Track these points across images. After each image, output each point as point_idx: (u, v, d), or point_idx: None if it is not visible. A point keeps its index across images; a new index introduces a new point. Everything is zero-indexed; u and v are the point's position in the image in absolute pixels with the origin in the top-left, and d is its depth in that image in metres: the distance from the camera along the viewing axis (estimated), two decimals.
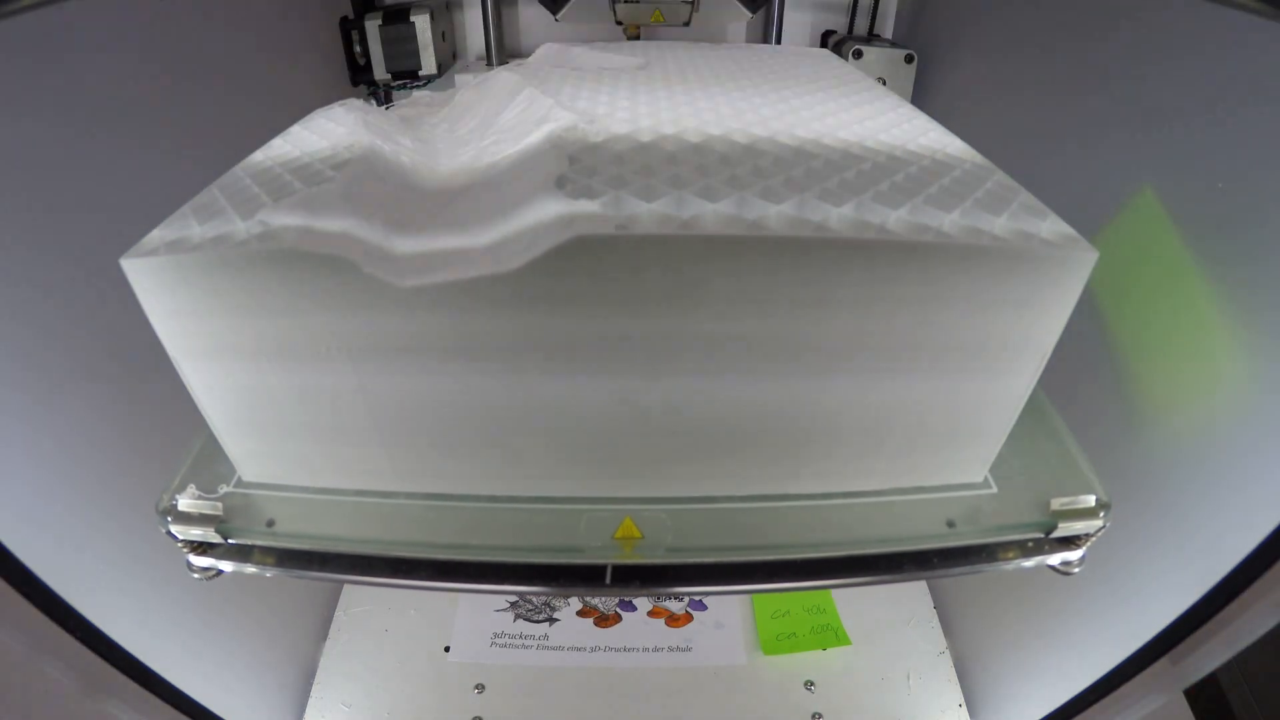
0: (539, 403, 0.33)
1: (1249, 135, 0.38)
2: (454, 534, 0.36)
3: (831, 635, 0.76)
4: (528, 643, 0.76)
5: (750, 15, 0.67)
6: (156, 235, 0.31)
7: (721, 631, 0.78)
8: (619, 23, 0.65)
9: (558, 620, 0.79)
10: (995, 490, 0.38)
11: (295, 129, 0.40)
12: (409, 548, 0.36)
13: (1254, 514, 0.37)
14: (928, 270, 0.29)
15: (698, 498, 0.37)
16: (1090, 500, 0.36)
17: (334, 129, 0.40)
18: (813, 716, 0.70)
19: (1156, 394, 0.46)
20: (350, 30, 0.79)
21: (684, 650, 0.76)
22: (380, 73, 0.80)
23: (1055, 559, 0.38)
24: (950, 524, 0.36)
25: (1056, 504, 0.36)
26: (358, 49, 0.80)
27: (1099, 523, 0.36)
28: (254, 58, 0.63)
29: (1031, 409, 0.35)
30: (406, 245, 0.31)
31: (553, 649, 0.76)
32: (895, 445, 0.36)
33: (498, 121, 0.43)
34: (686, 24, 0.64)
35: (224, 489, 0.38)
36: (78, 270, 0.41)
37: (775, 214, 0.29)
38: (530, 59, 0.59)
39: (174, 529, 0.37)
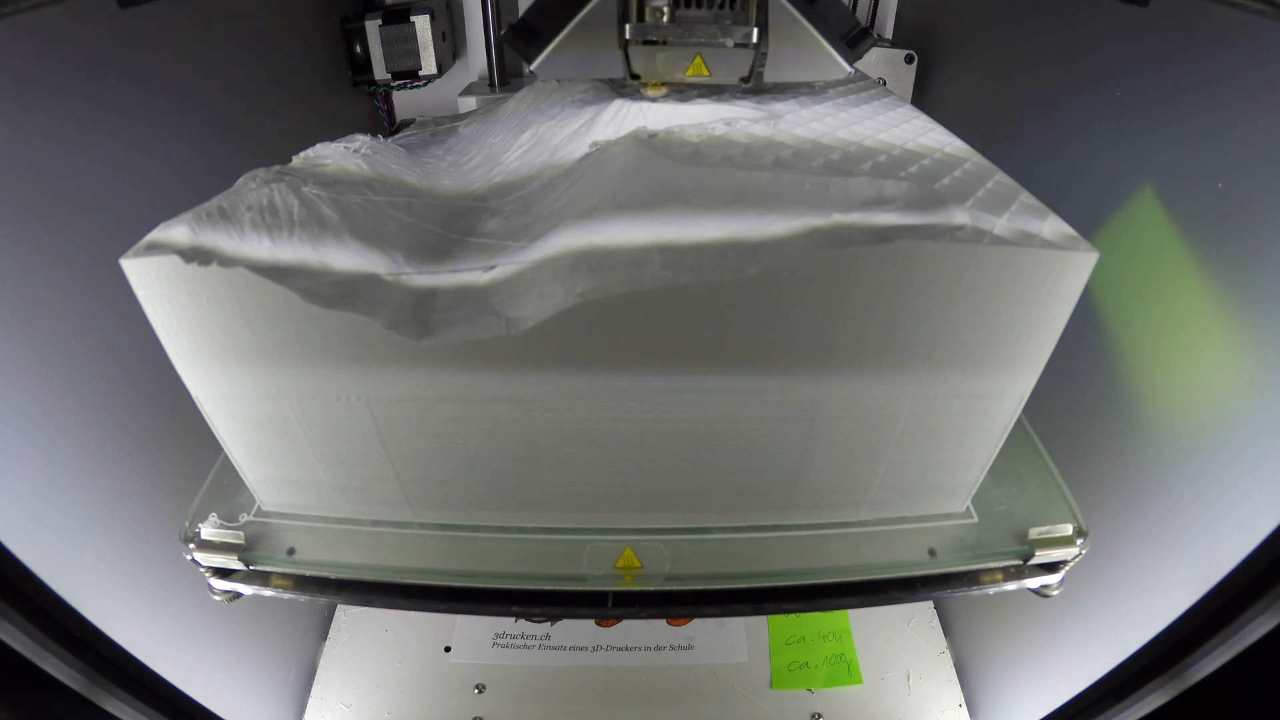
0: (547, 440, 0.34)
1: (1249, 135, 0.38)
2: (465, 563, 0.38)
3: (844, 669, 0.75)
4: (529, 642, 0.76)
5: (850, 71, 0.40)
6: (156, 235, 0.31)
7: (723, 630, 0.78)
8: (634, 77, 0.38)
9: (559, 619, 0.79)
10: (976, 520, 0.40)
11: (306, 151, 0.41)
12: (423, 575, 0.38)
13: (1254, 515, 0.37)
14: (929, 270, 0.29)
15: (694, 529, 0.39)
16: (1068, 529, 0.38)
17: (343, 157, 0.40)
18: (813, 716, 0.70)
19: (1157, 394, 0.46)
20: (350, 30, 0.79)
21: (685, 649, 0.76)
22: (380, 73, 0.80)
23: (1034, 583, 0.39)
24: (932, 553, 0.38)
25: (1034, 533, 0.38)
26: (358, 49, 0.79)
27: (1076, 550, 0.38)
28: (254, 58, 0.63)
29: (1015, 438, 0.36)
30: (427, 279, 0.31)
31: (554, 649, 0.76)
32: (883, 478, 0.37)
33: (504, 160, 0.43)
34: (746, 81, 0.38)
35: (245, 518, 0.40)
36: (79, 270, 0.41)
37: (776, 217, 0.29)
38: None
39: (197, 556, 0.38)
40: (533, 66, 0.38)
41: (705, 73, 0.37)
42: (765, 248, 0.29)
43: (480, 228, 0.37)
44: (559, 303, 0.28)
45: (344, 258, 0.32)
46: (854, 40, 0.39)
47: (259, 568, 0.39)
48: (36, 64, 0.40)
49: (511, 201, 0.39)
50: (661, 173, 0.32)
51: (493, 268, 0.32)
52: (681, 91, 0.45)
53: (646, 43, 0.37)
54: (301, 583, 0.39)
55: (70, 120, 0.42)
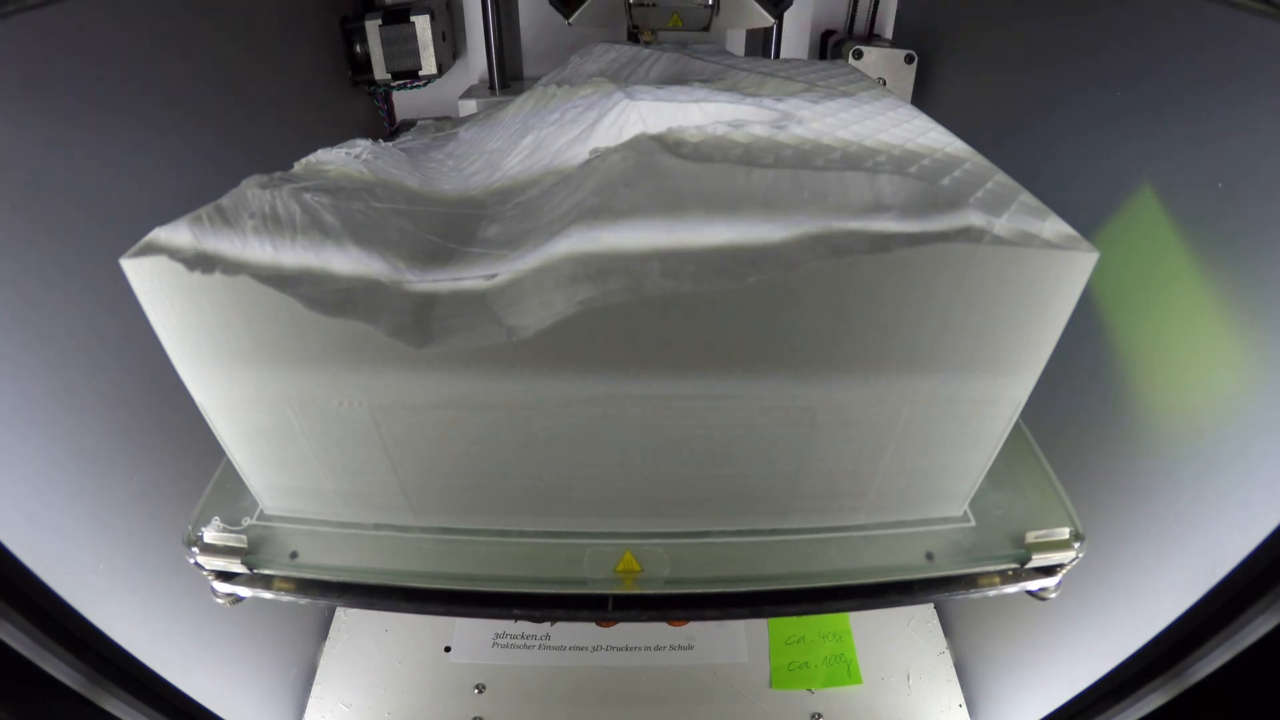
0: (548, 446, 0.34)
1: (1249, 135, 0.38)
2: (466, 566, 0.38)
3: (843, 669, 0.75)
4: (529, 642, 0.76)
5: (772, 21, 0.58)
6: (157, 235, 0.31)
7: (723, 630, 0.78)
8: (634, 28, 0.54)
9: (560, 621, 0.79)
10: (973, 524, 0.40)
11: (308, 157, 0.41)
12: (424, 579, 0.38)
13: (1254, 515, 0.37)
14: (929, 272, 0.29)
15: (693, 532, 0.39)
16: (1064, 533, 0.38)
17: (345, 163, 0.40)
18: (813, 716, 0.70)
19: (1156, 395, 0.46)
20: (350, 30, 0.79)
21: (685, 649, 0.76)
22: (380, 73, 0.80)
23: (1032, 586, 0.39)
24: (929, 556, 0.38)
25: (1031, 537, 0.38)
26: (358, 49, 0.79)
27: (1073, 553, 0.38)
28: (254, 58, 0.63)
29: (1012, 442, 0.36)
30: (429, 286, 0.31)
31: (554, 649, 0.76)
32: (881, 482, 0.37)
33: (505, 164, 0.43)
34: (705, 29, 0.55)
35: (247, 521, 0.40)
36: (80, 270, 0.41)
37: (776, 223, 0.29)
38: (573, 63, 0.59)
39: (201, 560, 0.38)
40: (570, 20, 0.57)
41: (680, 24, 0.56)
42: (765, 255, 0.29)
43: (481, 234, 0.37)
44: (560, 310, 0.28)
45: (346, 264, 0.32)
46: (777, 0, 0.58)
47: (262, 571, 0.39)
48: (37, 63, 0.40)
49: (512, 208, 0.39)
50: (662, 179, 0.32)
51: (494, 276, 0.32)
52: (685, 85, 0.45)
53: (640, 5, 0.55)
54: (303, 586, 0.39)
55: (69, 119, 0.42)
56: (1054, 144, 0.56)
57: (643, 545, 0.38)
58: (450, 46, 0.85)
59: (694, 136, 0.37)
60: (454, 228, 0.38)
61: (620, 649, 0.76)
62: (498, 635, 0.77)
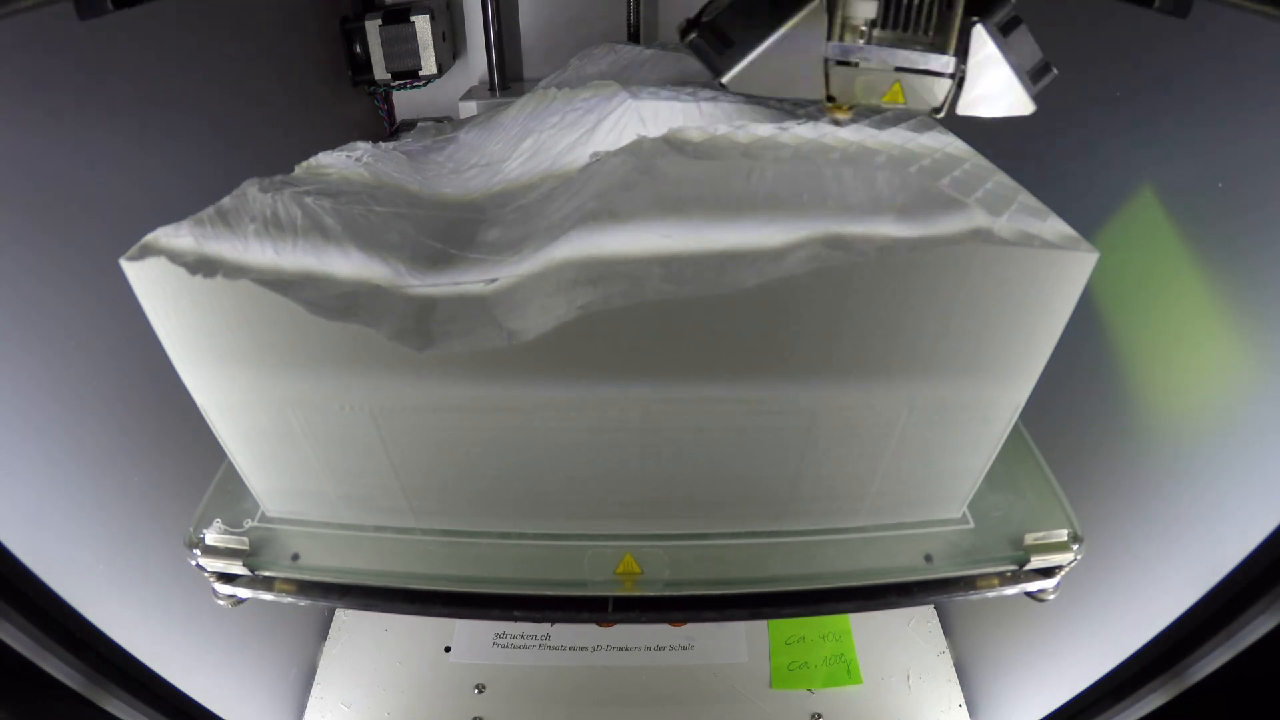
0: (548, 449, 0.35)
1: (1249, 134, 0.38)
2: (467, 568, 0.38)
3: (843, 670, 0.75)
4: (529, 642, 0.76)
5: (1032, 109, 0.35)
6: (157, 236, 0.31)
7: (723, 630, 0.78)
8: (829, 99, 0.33)
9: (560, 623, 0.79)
10: (972, 525, 0.40)
11: (309, 160, 0.41)
12: (425, 580, 0.38)
13: (1254, 516, 0.37)
14: (928, 274, 0.29)
15: (693, 534, 0.39)
16: (1063, 534, 0.38)
17: (346, 166, 0.40)
18: (813, 716, 0.70)
19: (1156, 396, 0.46)
20: (350, 30, 0.79)
21: (685, 649, 0.76)
22: (380, 73, 0.80)
23: (1030, 587, 0.39)
24: (928, 558, 0.38)
25: (1030, 539, 0.38)
26: (358, 49, 0.80)
27: (1071, 555, 0.38)
28: (254, 58, 0.63)
29: (1011, 444, 0.36)
30: (430, 289, 0.31)
31: (554, 649, 0.76)
32: (880, 484, 0.37)
33: (507, 167, 0.43)
34: (939, 111, 0.33)
35: (249, 523, 0.40)
36: (80, 271, 0.41)
37: (775, 228, 0.29)
38: (574, 65, 0.59)
39: (202, 561, 0.39)
40: (724, 79, 0.33)
41: (901, 100, 0.32)
42: (765, 260, 0.29)
43: (481, 238, 0.37)
44: (560, 315, 0.29)
45: (347, 268, 0.32)
46: (1036, 74, 0.35)
47: (263, 573, 0.39)
48: (37, 63, 0.40)
49: (512, 211, 0.39)
50: (662, 182, 0.32)
51: (494, 280, 0.32)
52: (688, 89, 0.45)
53: (846, 65, 0.32)
54: (305, 587, 0.39)
55: (70, 119, 0.42)
56: (1054, 144, 0.56)
57: (643, 547, 0.39)
58: (450, 46, 0.85)
59: (695, 137, 0.37)
60: (454, 231, 0.38)
61: (620, 649, 0.76)
62: (498, 635, 0.77)
